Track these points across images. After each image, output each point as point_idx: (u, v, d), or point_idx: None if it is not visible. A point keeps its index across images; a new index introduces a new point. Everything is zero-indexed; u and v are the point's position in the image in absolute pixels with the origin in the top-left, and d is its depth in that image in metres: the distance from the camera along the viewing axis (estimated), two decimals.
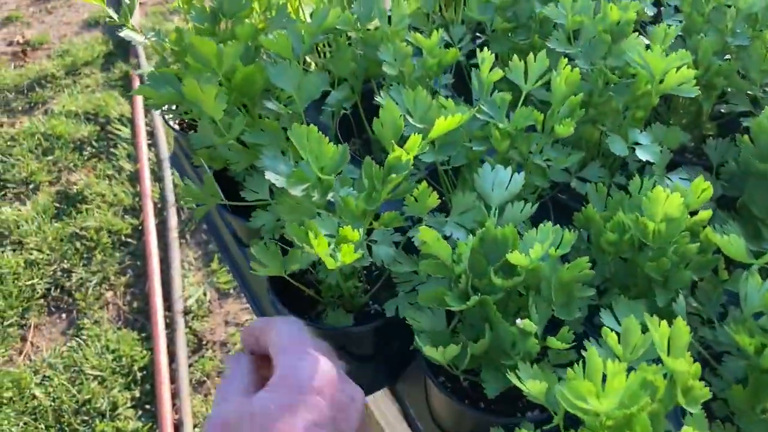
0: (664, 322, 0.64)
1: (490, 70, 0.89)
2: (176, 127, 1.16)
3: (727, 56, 1.09)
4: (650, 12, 1.15)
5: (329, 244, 0.69)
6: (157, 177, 3.32)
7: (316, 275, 0.88)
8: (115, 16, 1.07)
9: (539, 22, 1.05)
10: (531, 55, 0.86)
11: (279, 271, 0.80)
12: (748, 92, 1.06)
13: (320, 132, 0.75)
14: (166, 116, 1.12)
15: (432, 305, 0.75)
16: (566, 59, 0.84)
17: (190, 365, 2.57)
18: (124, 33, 0.99)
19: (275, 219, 0.84)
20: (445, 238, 0.82)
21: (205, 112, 0.82)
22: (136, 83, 3.68)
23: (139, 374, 2.57)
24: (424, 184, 0.79)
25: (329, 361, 0.70)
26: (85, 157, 3.48)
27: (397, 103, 0.89)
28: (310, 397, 0.64)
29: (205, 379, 2.55)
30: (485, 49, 0.88)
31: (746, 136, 0.94)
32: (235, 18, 1.00)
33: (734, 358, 0.76)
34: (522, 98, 0.87)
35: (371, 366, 0.93)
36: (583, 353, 0.59)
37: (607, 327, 0.70)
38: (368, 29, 1.04)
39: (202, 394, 2.48)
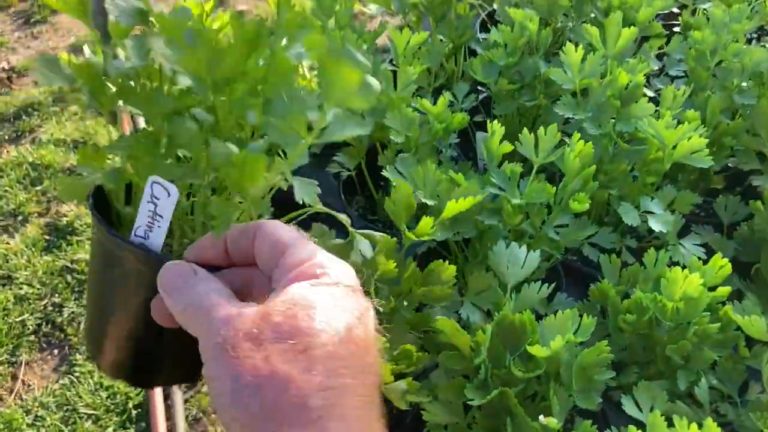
0: (694, 425, 0.62)
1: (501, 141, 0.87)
2: None
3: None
4: (655, 66, 1.14)
5: None
6: None
7: None
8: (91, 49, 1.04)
9: (544, 81, 1.04)
10: (542, 128, 0.84)
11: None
12: (757, 150, 1.05)
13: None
14: None
15: (451, 398, 0.73)
16: (578, 134, 0.82)
17: (185, 401, 2.53)
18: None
19: None
20: (460, 319, 0.80)
21: None
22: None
23: (134, 412, 2.53)
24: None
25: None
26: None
27: (403, 175, 0.87)
28: (352, 291, 0.48)
29: (201, 415, 2.52)
30: (495, 121, 0.86)
31: (759, 202, 0.93)
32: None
33: None
34: (534, 172, 0.86)
35: None
36: None
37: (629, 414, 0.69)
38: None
39: (199, 431, 2.45)
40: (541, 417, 0.68)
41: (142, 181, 0.58)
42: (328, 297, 0.46)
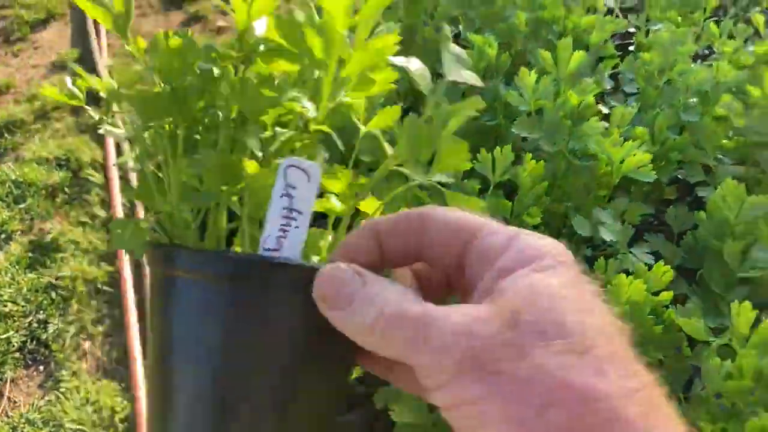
0: None
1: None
2: None
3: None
4: (608, 85, 1.22)
5: None
6: None
7: None
8: (73, 70, 1.10)
9: (504, 103, 1.11)
10: (498, 148, 0.91)
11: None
12: (703, 163, 1.13)
13: None
14: None
15: (414, 398, 0.79)
16: (530, 154, 0.89)
17: None
18: (104, 130, 1.02)
19: None
20: None
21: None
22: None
23: (120, 426, 2.56)
24: None
25: None
26: (58, 204, 3.47)
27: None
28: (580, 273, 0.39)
29: None
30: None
31: (702, 212, 1.00)
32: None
33: None
34: (491, 188, 0.92)
35: None
36: None
37: None
38: None
39: None
40: None
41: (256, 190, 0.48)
42: (569, 283, 0.37)
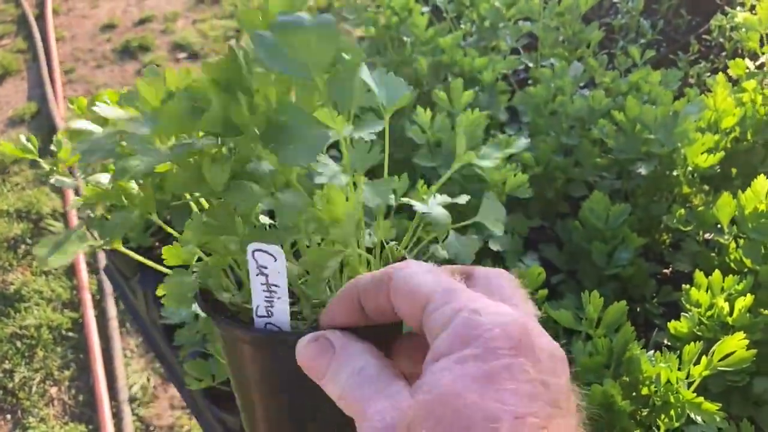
0: None
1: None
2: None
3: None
4: (503, 117, 1.39)
5: None
6: (93, 268, 3.41)
7: None
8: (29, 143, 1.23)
9: (409, 138, 1.27)
10: (396, 176, 1.07)
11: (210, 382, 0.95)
12: (585, 180, 1.30)
13: None
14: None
15: None
16: (422, 180, 1.05)
17: None
18: (54, 179, 1.15)
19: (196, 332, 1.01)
20: None
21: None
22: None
23: None
24: None
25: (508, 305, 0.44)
26: (20, 255, 3.54)
27: None
28: (509, 359, 0.39)
29: None
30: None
31: (578, 222, 1.17)
32: None
33: None
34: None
35: None
36: None
37: None
38: None
39: None
40: None
41: (236, 254, 0.55)
42: (484, 377, 0.37)
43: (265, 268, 0.49)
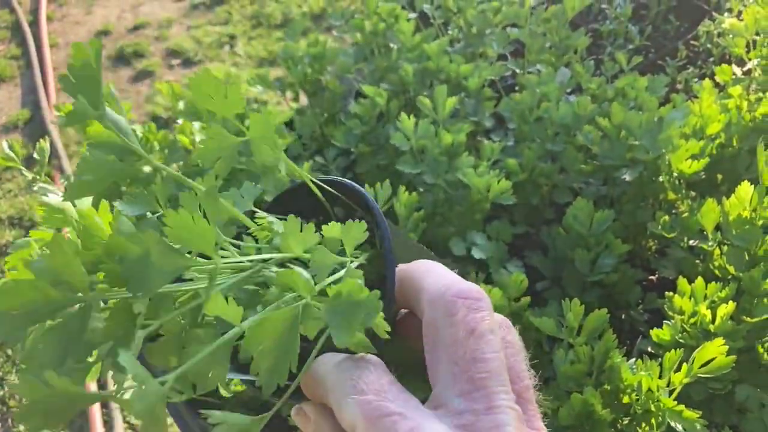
0: None
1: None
2: None
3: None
4: (489, 123, 1.39)
5: None
6: None
7: None
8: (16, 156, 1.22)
9: (395, 145, 1.27)
10: (378, 183, 1.06)
11: None
12: (570, 186, 1.30)
13: None
14: None
15: None
16: (404, 187, 1.05)
17: None
18: (38, 187, 1.14)
19: None
20: None
21: None
22: (59, 185, 3.76)
23: None
24: None
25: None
26: None
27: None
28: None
29: None
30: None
31: (561, 228, 1.17)
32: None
33: (551, 417, 0.96)
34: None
35: None
36: None
37: None
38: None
39: None
40: None
41: None
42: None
43: None
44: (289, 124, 1.43)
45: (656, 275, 1.27)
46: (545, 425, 0.46)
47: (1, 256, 3.52)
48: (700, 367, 0.84)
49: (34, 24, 4.78)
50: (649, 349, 1.04)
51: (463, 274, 1.17)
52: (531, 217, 1.33)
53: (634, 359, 0.93)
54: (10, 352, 3.00)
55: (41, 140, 1.32)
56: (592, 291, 1.11)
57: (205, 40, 4.49)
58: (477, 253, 1.10)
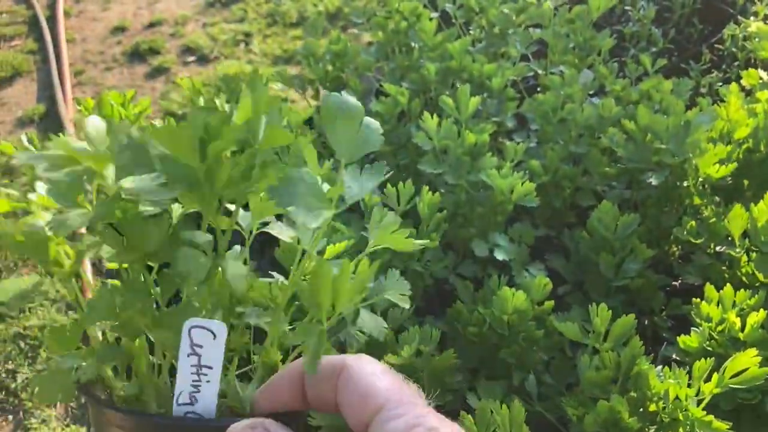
0: (505, 406, 0.81)
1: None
2: None
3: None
4: (511, 124, 1.37)
5: None
6: (98, 270, 3.41)
7: None
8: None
9: (415, 144, 1.26)
10: (401, 183, 1.05)
11: None
12: (593, 189, 1.28)
13: None
14: None
15: None
16: (427, 187, 1.03)
17: None
18: None
19: None
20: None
21: None
22: None
23: None
24: None
25: None
26: (26, 256, 3.53)
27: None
28: None
29: None
30: None
31: (584, 232, 1.15)
32: None
33: (576, 424, 0.94)
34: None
35: None
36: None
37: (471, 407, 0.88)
38: None
39: None
40: None
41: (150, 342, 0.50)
42: None
43: (200, 347, 0.46)
44: (309, 122, 1.42)
45: (679, 281, 1.25)
46: None
47: None
48: (731, 377, 0.82)
49: (51, 19, 4.80)
50: (674, 356, 1.02)
51: (485, 277, 1.15)
52: (552, 220, 1.32)
53: (661, 367, 0.91)
54: (22, 344, 3.01)
55: (60, 134, 1.32)
56: (616, 296, 1.09)
57: (220, 37, 4.49)
58: (500, 255, 1.09)
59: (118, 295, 0.49)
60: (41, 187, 0.54)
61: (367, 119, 0.53)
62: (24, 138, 1.20)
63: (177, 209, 0.54)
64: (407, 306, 0.64)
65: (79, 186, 0.48)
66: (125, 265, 0.52)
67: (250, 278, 0.56)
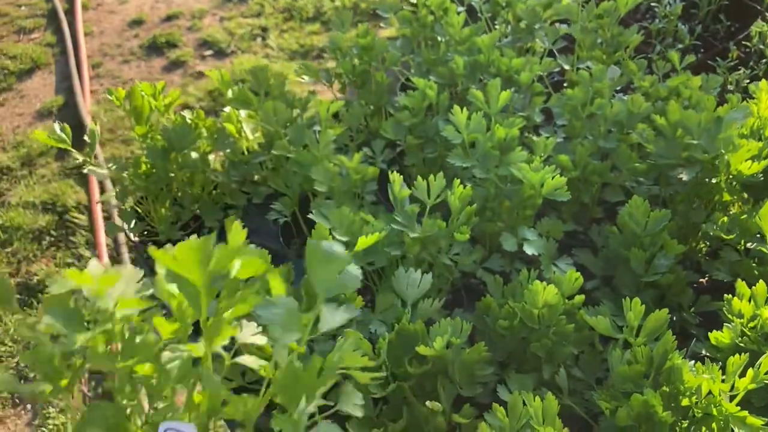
0: (538, 398, 0.82)
1: (402, 186, 1.08)
2: (137, 239, 1.31)
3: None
4: (538, 118, 1.37)
5: None
6: (116, 261, 3.43)
7: None
8: (60, 134, 1.22)
9: (444, 137, 1.25)
10: (431, 176, 1.05)
11: None
12: (621, 184, 1.28)
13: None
14: (129, 231, 1.28)
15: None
16: (458, 180, 1.03)
17: None
18: (88, 169, 1.15)
19: None
20: (371, 332, 0.99)
21: None
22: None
23: None
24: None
25: None
26: (44, 247, 3.56)
27: (326, 217, 1.07)
28: None
29: None
30: (395, 172, 1.07)
31: (614, 227, 1.14)
32: (183, 153, 1.18)
33: (606, 418, 0.94)
34: (427, 211, 1.06)
35: None
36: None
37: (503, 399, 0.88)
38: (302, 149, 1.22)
39: None
40: (427, 402, 0.86)
41: None
42: None
43: None
44: (335, 116, 1.42)
45: (707, 277, 1.24)
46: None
47: (34, 241, 3.56)
48: (766, 373, 0.82)
49: (70, 12, 4.83)
50: (704, 351, 1.02)
51: (512, 271, 1.15)
52: (579, 215, 1.31)
53: (693, 362, 0.91)
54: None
55: (91, 122, 1.33)
56: (646, 292, 1.09)
57: (237, 31, 4.50)
58: (530, 249, 1.09)
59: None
60: None
61: (350, 268, 0.66)
62: (56, 126, 1.21)
63: None
64: (360, 414, 0.74)
65: None
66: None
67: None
